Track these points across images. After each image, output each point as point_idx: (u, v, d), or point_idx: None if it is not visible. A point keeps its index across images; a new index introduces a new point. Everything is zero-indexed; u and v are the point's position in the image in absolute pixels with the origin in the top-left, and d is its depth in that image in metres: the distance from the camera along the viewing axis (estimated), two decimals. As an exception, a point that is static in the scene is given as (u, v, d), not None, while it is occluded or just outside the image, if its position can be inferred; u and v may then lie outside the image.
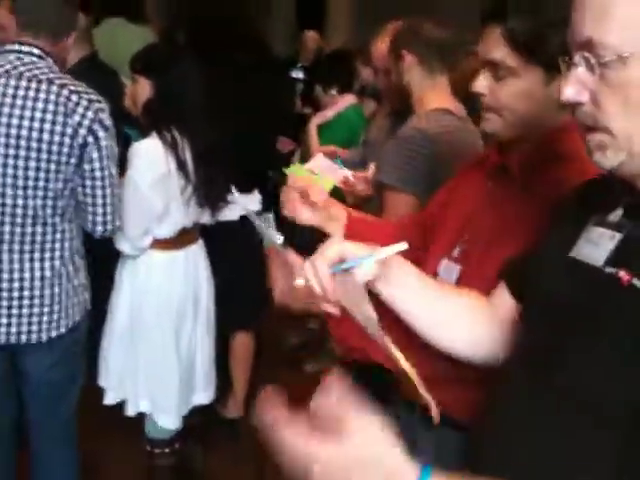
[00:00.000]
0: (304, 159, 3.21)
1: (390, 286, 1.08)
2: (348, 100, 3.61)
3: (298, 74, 5.03)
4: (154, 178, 2.23)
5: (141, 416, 2.49)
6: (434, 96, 2.07)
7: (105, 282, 2.40)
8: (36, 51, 1.94)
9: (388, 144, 2.07)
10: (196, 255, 2.50)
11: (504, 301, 1.11)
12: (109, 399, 2.43)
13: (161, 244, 2.37)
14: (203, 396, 2.57)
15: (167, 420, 2.46)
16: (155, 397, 2.43)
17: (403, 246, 1.00)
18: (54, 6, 2.02)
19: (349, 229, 1.53)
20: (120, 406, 2.44)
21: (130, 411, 2.44)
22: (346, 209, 1.59)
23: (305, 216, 1.52)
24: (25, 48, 1.93)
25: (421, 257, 1.36)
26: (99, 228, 2.04)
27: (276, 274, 1.34)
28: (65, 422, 2.17)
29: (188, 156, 2.30)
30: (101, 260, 2.29)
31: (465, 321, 1.13)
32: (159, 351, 2.40)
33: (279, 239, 1.21)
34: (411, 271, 1.11)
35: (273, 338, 3.75)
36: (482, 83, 1.24)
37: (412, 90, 2.10)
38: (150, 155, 2.24)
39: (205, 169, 2.34)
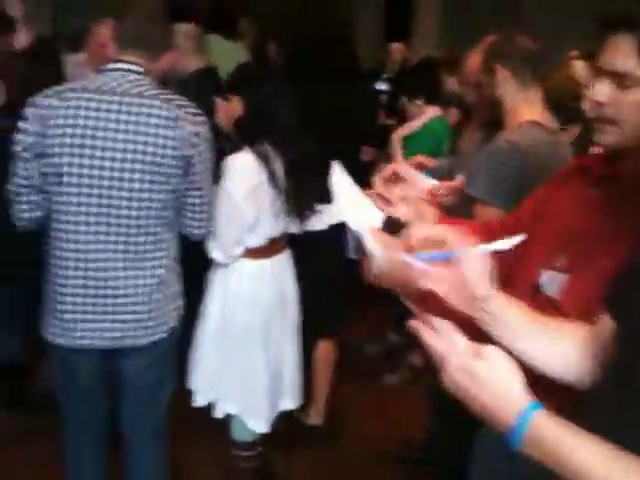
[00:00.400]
0: (388, 171, 3.23)
1: (498, 330, 1.12)
2: (433, 111, 3.61)
3: (383, 86, 5.06)
4: (247, 190, 2.32)
5: (227, 418, 2.56)
6: (526, 109, 2.06)
7: (192, 288, 2.48)
8: (139, 68, 2.03)
9: (478, 156, 2.06)
10: (283, 264, 2.57)
11: (606, 325, 1.10)
12: (198, 401, 2.51)
13: (251, 253, 2.45)
14: (290, 402, 2.63)
15: (256, 423, 2.52)
16: (244, 400, 2.49)
17: (518, 238, 1.04)
18: (152, 25, 2.14)
19: (440, 224, 1.53)
20: (208, 408, 2.52)
21: (218, 413, 2.51)
22: (435, 210, 1.59)
23: (402, 211, 1.52)
24: (128, 66, 2.02)
25: (513, 264, 1.35)
26: (197, 232, 2.16)
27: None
28: (157, 421, 2.26)
29: (279, 168, 2.37)
30: (189, 266, 2.37)
31: (573, 357, 1.13)
32: (248, 355, 2.47)
33: (378, 251, 1.22)
34: (514, 314, 1.13)
35: (354, 348, 3.77)
36: (603, 92, 1.20)
37: (504, 103, 2.09)
38: (243, 168, 2.33)
39: (295, 181, 2.41)
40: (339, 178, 1.23)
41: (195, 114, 2.03)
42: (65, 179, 1.94)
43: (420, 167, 2.44)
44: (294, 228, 2.55)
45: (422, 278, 1.10)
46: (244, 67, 2.69)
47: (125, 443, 2.27)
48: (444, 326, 1.00)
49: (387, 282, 1.30)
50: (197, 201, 2.10)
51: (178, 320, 2.20)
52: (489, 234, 1.47)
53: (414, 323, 1.01)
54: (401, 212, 1.52)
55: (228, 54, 3.82)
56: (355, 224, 1.22)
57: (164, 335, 2.13)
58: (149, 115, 1.96)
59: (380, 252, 1.21)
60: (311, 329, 2.78)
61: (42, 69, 2.63)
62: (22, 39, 3.21)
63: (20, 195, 2.01)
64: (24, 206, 2.02)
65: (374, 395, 3.49)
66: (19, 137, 1.96)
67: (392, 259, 1.13)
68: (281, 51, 4.18)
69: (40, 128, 1.93)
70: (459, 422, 2.04)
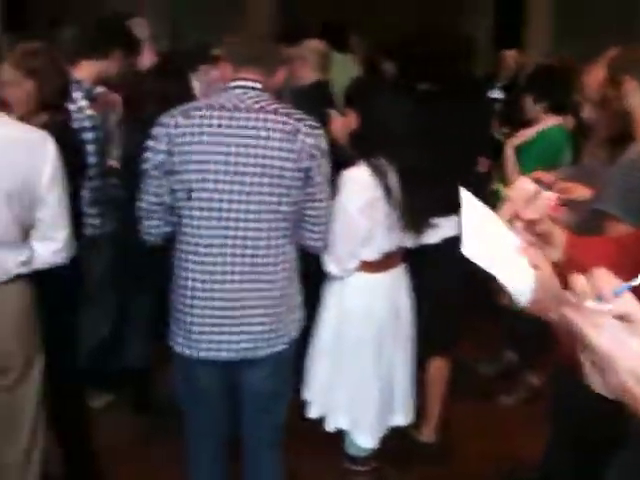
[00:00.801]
0: (502, 181, 3.15)
1: None
2: (553, 120, 3.48)
3: (496, 94, 4.94)
4: (362, 203, 2.32)
5: (341, 432, 2.56)
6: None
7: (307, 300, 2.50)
8: (258, 85, 2.09)
9: (608, 172, 1.97)
10: (398, 278, 2.55)
11: None
12: (312, 413, 2.53)
13: (366, 266, 2.44)
14: (401, 418, 2.60)
15: (364, 439, 2.51)
16: (354, 414, 2.49)
17: None
18: (265, 43, 2.22)
19: (569, 246, 1.46)
20: (322, 420, 2.53)
21: (329, 427, 2.52)
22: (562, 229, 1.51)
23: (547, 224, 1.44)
24: (248, 83, 2.09)
25: None
26: (315, 244, 2.19)
27: None
28: (275, 430, 2.29)
29: (394, 182, 2.36)
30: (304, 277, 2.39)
31: None
32: (360, 369, 2.47)
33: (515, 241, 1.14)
34: None
35: (468, 366, 3.68)
36: None
37: (634, 114, 2.00)
38: (358, 182, 2.33)
39: (410, 194, 2.38)
40: (468, 205, 1.15)
41: (313, 127, 2.06)
42: (194, 195, 2.01)
43: (538, 182, 2.37)
44: (409, 242, 2.52)
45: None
46: (359, 81, 2.71)
47: (243, 452, 2.32)
48: (613, 324, 0.85)
49: (537, 311, 1.23)
50: (315, 213, 2.12)
51: (298, 331, 2.23)
52: (624, 253, 1.38)
53: (569, 311, 0.86)
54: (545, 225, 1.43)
55: (339, 67, 3.85)
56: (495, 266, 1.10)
57: (285, 346, 2.16)
58: (271, 129, 2.00)
59: (526, 298, 1.12)
60: (424, 345, 2.74)
61: (171, 86, 2.72)
62: (147, 58, 3.35)
63: (150, 212, 2.10)
64: (154, 222, 2.11)
65: (488, 415, 3.39)
66: (148, 156, 2.05)
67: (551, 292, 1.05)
68: (393, 63, 4.16)
69: (168, 146, 2.01)
70: (583, 444, 1.96)
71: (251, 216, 2.02)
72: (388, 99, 2.44)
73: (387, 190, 2.34)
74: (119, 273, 3.12)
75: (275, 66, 2.16)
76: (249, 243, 2.04)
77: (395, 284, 2.54)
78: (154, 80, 2.83)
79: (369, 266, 2.45)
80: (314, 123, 2.07)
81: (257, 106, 2.04)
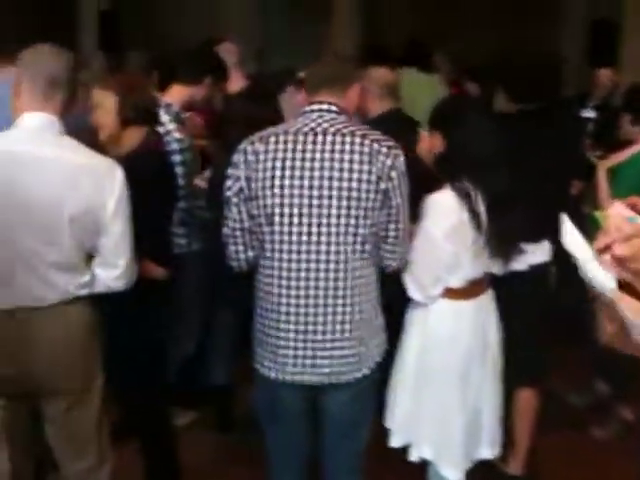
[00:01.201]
0: (594, 205, 3.02)
1: None
2: (647, 142, 3.31)
3: (589, 113, 4.77)
4: (447, 228, 2.27)
5: (425, 461, 2.49)
6: None
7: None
8: (334, 108, 2.10)
9: None
10: (485, 306, 2.46)
11: None
12: (395, 442, 2.47)
13: (451, 293, 2.38)
14: (488, 450, 2.51)
15: (450, 470, 2.43)
16: (439, 445, 2.42)
17: None
18: (340, 64, 2.22)
19: None
20: (406, 448, 2.47)
21: (413, 456, 2.45)
22: None
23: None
24: (324, 106, 2.10)
25: None
26: (396, 263, 2.17)
27: (605, 317, 1.21)
28: (356, 456, 2.26)
29: (480, 207, 2.29)
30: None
31: None
32: (445, 399, 2.39)
33: (610, 283, 1.07)
34: None
35: (558, 397, 3.53)
36: None
37: None
38: (444, 206, 2.28)
39: (497, 220, 2.31)
40: (571, 235, 1.09)
41: (391, 147, 2.05)
42: (276, 219, 2.03)
43: (633, 208, 2.24)
44: (496, 268, 2.44)
45: None
46: (443, 102, 2.65)
47: (322, 476, 2.30)
48: None
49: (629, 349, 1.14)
50: (395, 234, 2.11)
51: (381, 355, 2.20)
52: None
53: None
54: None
55: (423, 87, 3.82)
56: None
57: (367, 371, 2.14)
58: (348, 151, 2.01)
59: (613, 284, 1.06)
60: (513, 375, 2.63)
61: (259, 110, 2.76)
62: (236, 83, 3.42)
63: (234, 237, 2.13)
64: (239, 247, 2.13)
65: (578, 448, 3.24)
66: (229, 183, 2.09)
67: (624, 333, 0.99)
68: (479, 84, 4.09)
69: (246, 173, 2.04)
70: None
71: (332, 239, 2.02)
72: (474, 121, 2.38)
73: (473, 214, 2.28)
74: (205, 292, 3.17)
75: (348, 86, 2.15)
76: (331, 266, 2.04)
77: (482, 312, 2.46)
78: (242, 104, 2.87)
79: (454, 293, 2.38)
80: (392, 144, 2.06)
81: (333, 129, 2.05)
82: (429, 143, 2.43)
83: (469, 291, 2.40)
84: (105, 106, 2.40)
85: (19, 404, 2.17)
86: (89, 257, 2.13)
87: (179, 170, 2.81)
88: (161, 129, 2.77)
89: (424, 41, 4.70)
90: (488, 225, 2.30)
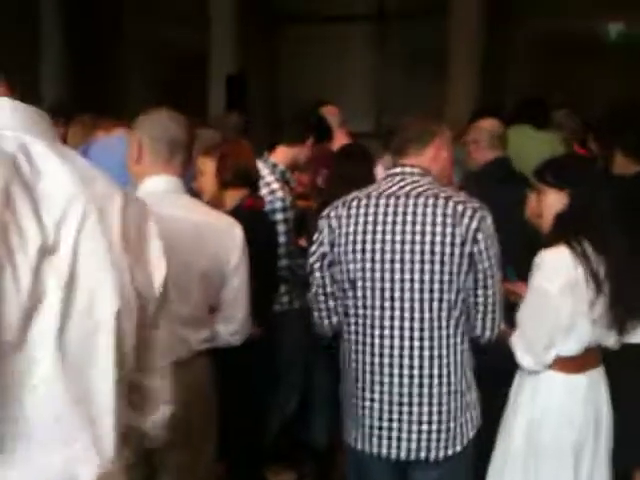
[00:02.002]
0: None
1: None
2: None
3: None
4: (563, 284, 2.11)
5: None
6: None
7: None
8: (416, 170, 2.05)
9: None
10: (598, 381, 2.26)
11: None
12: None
13: (563, 365, 2.20)
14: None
15: None
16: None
17: None
18: (419, 124, 2.14)
19: None
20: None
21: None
22: None
23: None
24: (407, 169, 2.06)
25: None
26: (488, 333, 2.05)
27: None
28: None
29: (598, 268, 2.13)
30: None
31: None
32: (556, 477, 2.21)
33: None
34: None
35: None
36: None
37: None
38: (558, 263, 2.14)
39: (618, 285, 2.14)
40: None
41: (476, 209, 1.97)
42: (358, 284, 2.00)
43: None
44: (610, 340, 2.25)
45: None
46: (563, 159, 2.54)
47: None
48: None
49: None
50: (483, 300, 2.00)
51: (475, 431, 2.07)
52: None
53: None
54: None
55: (531, 145, 3.70)
56: None
57: (460, 448, 2.02)
58: (431, 214, 1.96)
59: None
60: (624, 456, 2.40)
61: (352, 170, 2.79)
62: (339, 143, 3.49)
63: (317, 302, 2.12)
64: (323, 313, 2.12)
65: None
66: (313, 248, 2.09)
67: None
68: (601, 143, 3.90)
69: (330, 238, 2.04)
70: None
71: (416, 305, 1.96)
72: (598, 181, 2.26)
73: (590, 275, 2.11)
74: (306, 350, 3.16)
75: (427, 144, 2.09)
76: (416, 334, 1.96)
77: (594, 387, 2.26)
78: (339, 164, 2.91)
79: (567, 364, 2.20)
80: (477, 205, 1.98)
81: (415, 192, 2.00)
82: (537, 200, 2.30)
83: (582, 362, 2.22)
84: (206, 172, 2.48)
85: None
86: (211, 313, 2.19)
87: (281, 228, 2.85)
88: (266, 189, 2.84)
89: (542, 97, 4.58)
90: (608, 290, 2.14)
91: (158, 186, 2.05)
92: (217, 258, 2.11)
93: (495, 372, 2.28)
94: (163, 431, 1.19)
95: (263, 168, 2.88)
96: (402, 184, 2.03)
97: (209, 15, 9.06)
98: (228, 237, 2.14)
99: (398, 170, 2.07)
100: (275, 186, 2.88)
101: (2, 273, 0.87)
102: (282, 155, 3.00)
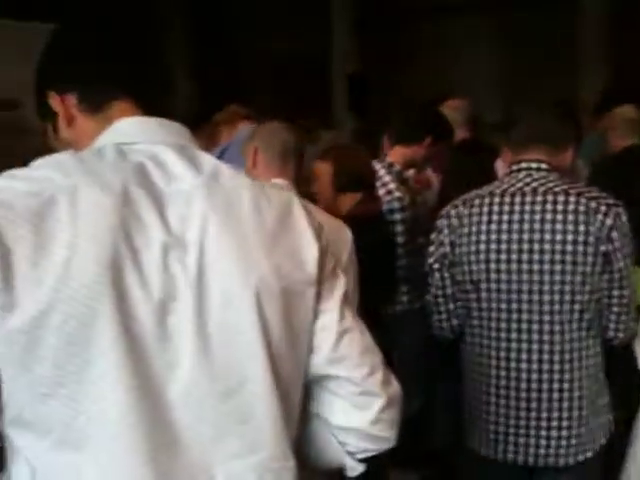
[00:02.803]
0: None
1: None
2: None
3: None
4: None
5: None
6: None
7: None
8: (543, 165, 1.95)
9: None
10: None
11: None
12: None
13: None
14: None
15: None
16: None
17: None
18: (553, 119, 2.06)
19: None
20: None
21: None
22: None
23: None
24: (533, 164, 1.96)
25: None
26: (621, 335, 1.94)
27: None
28: None
29: None
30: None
31: None
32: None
33: None
34: None
35: None
36: None
37: None
38: None
39: None
40: None
41: (610, 205, 1.86)
42: (482, 286, 1.94)
43: None
44: None
45: None
46: None
47: None
48: None
49: None
50: (617, 301, 1.89)
51: (606, 437, 1.98)
52: None
53: None
54: None
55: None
56: None
57: (590, 454, 1.92)
58: (561, 211, 1.86)
59: None
60: None
61: (470, 166, 2.71)
62: (460, 137, 3.41)
63: (437, 305, 2.07)
64: (442, 315, 2.08)
65: None
66: (432, 249, 2.05)
67: None
68: None
69: (450, 238, 1.99)
70: None
71: (545, 307, 1.87)
72: None
73: None
74: (426, 350, 3.11)
75: (564, 144, 2.00)
76: (545, 338, 1.88)
77: None
78: (456, 160, 2.83)
79: None
80: (612, 202, 1.86)
81: (543, 188, 1.91)
82: None
83: None
84: (322, 176, 2.51)
85: None
86: None
87: (399, 228, 2.82)
88: (383, 189, 2.82)
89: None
90: None
91: None
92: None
93: (628, 374, 2.16)
94: None
95: (380, 169, 2.87)
96: (528, 180, 1.95)
97: (331, 17, 9.17)
98: (339, 239, 2.13)
99: (523, 166, 1.98)
100: (392, 186, 2.86)
101: (126, 272, 0.90)
102: (398, 155, 2.97)
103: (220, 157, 2.55)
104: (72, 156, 0.98)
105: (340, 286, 1.08)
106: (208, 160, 1.04)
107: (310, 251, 1.04)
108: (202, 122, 3.57)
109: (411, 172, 3.06)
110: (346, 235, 2.16)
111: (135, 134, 1.02)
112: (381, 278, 2.60)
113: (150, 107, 1.05)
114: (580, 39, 7.59)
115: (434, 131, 2.96)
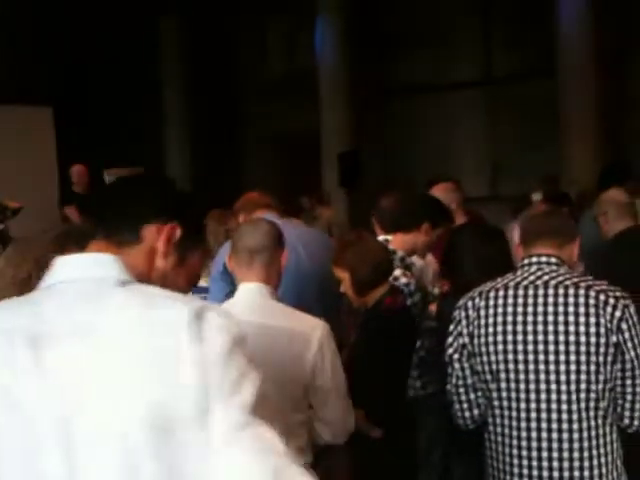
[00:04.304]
0: None
1: None
2: None
3: None
4: None
5: None
6: None
7: None
8: (553, 259, 2.03)
9: None
10: None
11: None
12: None
13: None
14: None
15: None
16: None
17: None
18: (559, 216, 2.23)
19: None
20: None
21: None
22: None
23: None
24: (543, 259, 2.04)
25: None
26: (637, 423, 1.97)
27: None
28: None
29: None
30: None
31: None
32: None
33: None
34: None
35: None
36: None
37: None
38: None
39: None
40: None
41: (618, 298, 1.93)
42: (501, 376, 1.98)
43: None
44: None
45: None
46: None
47: None
48: None
49: None
50: (631, 390, 1.93)
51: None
52: None
53: None
54: None
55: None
56: None
57: None
58: (573, 304, 1.93)
59: None
60: None
61: (491, 255, 2.67)
62: (458, 221, 3.45)
63: (457, 395, 2.10)
64: (464, 405, 2.10)
65: None
66: (450, 340, 2.09)
67: None
68: None
69: (468, 329, 2.04)
70: None
71: (563, 397, 1.91)
72: None
73: None
74: (443, 438, 3.07)
75: (570, 238, 2.10)
76: (564, 426, 1.91)
77: None
78: (474, 247, 2.74)
79: None
80: (620, 294, 1.94)
81: (554, 282, 1.98)
82: None
83: None
84: (343, 281, 2.54)
85: None
86: None
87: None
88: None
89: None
90: None
91: (240, 294, 2.09)
92: (312, 363, 2.02)
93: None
94: None
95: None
96: (539, 274, 2.02)
97: (320, 94, 9.38)
98: (310, 339, 2.03)
99: (534, 260, 2.06)
100: (397, 273, 2.89)
101: None
102: (399, 242, 2.98)
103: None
104: None
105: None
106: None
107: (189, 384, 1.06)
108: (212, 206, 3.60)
109: (414, 258, 3.09)
110: (316, 334, 2.04)
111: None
112: (396, 375, 2.59)
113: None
114: (564, 108, 7.74)
115: (430, 218, 3.00)
